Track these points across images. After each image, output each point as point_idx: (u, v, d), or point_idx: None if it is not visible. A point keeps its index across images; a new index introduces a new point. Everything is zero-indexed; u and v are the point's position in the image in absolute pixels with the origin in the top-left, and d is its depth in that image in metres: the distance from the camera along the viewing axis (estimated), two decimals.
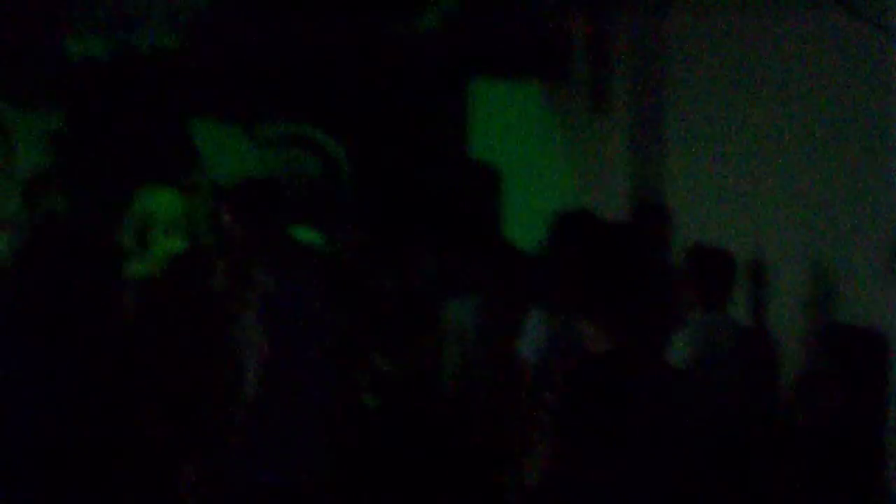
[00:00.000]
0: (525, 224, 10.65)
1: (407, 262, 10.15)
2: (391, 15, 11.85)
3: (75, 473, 5.37)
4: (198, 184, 11.22)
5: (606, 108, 9.62)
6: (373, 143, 12.83)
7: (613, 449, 4.42)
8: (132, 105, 12.36)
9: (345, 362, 7.33)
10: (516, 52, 10.73)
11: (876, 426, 5.52)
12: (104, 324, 5.90)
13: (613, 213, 8.71)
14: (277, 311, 5.85)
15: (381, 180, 12.67)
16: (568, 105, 10.38)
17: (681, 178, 8.80)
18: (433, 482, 8.82)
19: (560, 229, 6.26)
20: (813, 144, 6.81)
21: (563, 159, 10.42)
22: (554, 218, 6.45)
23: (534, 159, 11.12)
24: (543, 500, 4.59)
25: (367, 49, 12.03)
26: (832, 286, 6.56)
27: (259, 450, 5.77)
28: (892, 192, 5.45)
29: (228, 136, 12.97)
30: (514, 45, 10.65)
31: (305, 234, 11.64)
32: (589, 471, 4.41)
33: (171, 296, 8.08)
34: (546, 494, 4.52)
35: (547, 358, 6.14)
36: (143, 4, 12.28)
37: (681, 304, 6.74)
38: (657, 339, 4.68)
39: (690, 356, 6.48)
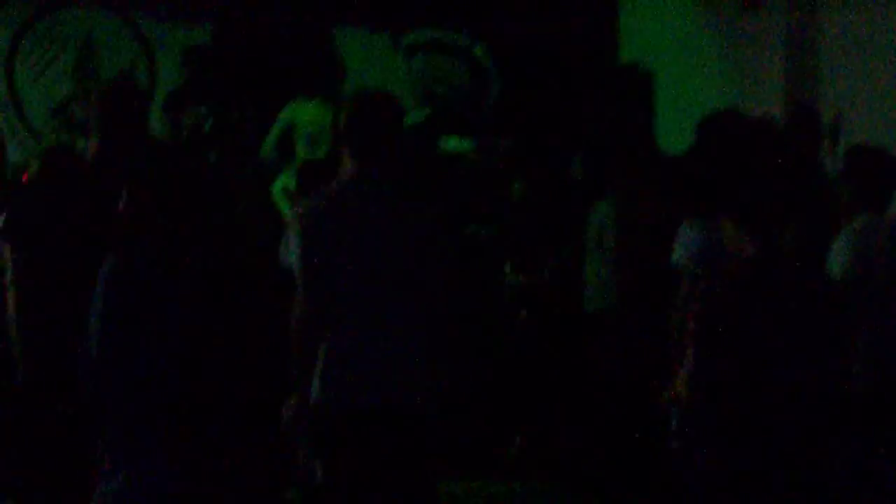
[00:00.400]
0: (678, 126, 10.47)
1: (554, 170, 10.05)
2: None
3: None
4: (344, 94, 11.15)
5: (759, 5, 9.34)
6: (522, 48, 12.66)
7: (759, 364, 4.30)
8: (275, 15, 12.31)
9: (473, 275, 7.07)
10: None
11: None
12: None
13: (766, 115, 8.46)
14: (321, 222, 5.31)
15: (530, 86, 12.50)
16: (720, 3, 10.10)
17: (839, 79, 8.53)
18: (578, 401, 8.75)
19: (709, 130, 6.14)
20: None
21: (716, 60, 10.16)
22: (703, 119, 6.33)
23: (686, 61, 10.87)
24: (693, 416, 4.51)
25: None
26: None
27: (344, 372, 5.32)
28: None
29: (374, 44, 12.89)
30: None
31: (456, 143, 11.59)
32: (735, 386, 4.29)
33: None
34: (694, 411, 4.43)
35: (698, 263, 6.07)
36: None
37: (838, 210, 6.53)
38: (811, 244, 4.48)
39: (851, 261, 6.28)
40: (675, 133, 10.29)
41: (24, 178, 7.02)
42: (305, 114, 10.77)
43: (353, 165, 5.37)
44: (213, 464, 4.56)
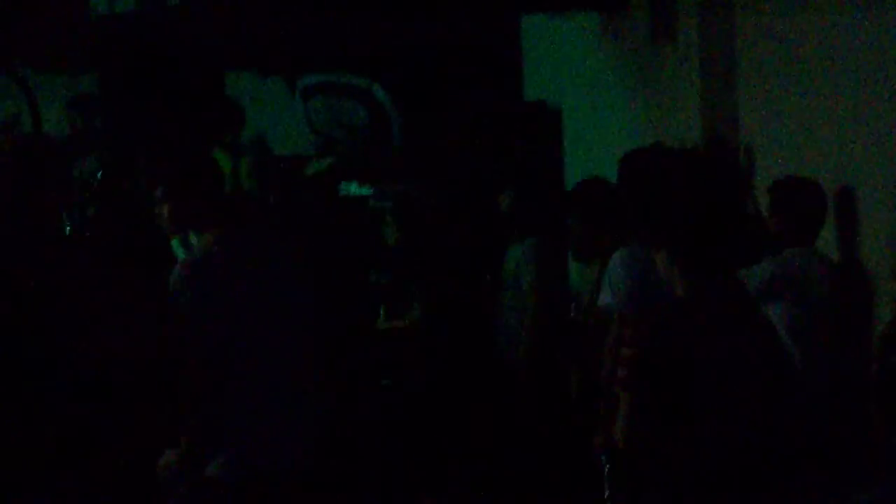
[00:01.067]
0: (586, 161, 10.28)
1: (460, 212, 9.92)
2: None
3: None
4: (240, 140, 10.85)
5: (671, 37, 9.13)
6: (422, 88, 12.40)
7: (698, 406, 4.06)
8: (164, 61, 11.97)
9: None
10: None
11: None
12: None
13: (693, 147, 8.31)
14: (212, 277, 5.20)
15: (433, 128, 12.24)
16: (630, 37, 9.88)
17: (756, 109, 8.34)
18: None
19: (635, 164, 5.98)
20: None
21: (628, 95, 9.95)
22: (628, 154, 6.19)
23: (594, 95, 10.67)
24: (628, 462, 4.39)
25: None
26: None
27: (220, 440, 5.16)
28: None
29: (270, 88, 12.61)
30: None
31: (354, 189, 11.35)
32: (673, 429, 4.02)
33: None
34: (631, 456, 4.20)
35: (626, 304, 5.98)
36: None
37: (763, 241, 6.44)
38: (739, 280, 4.28)
39: (772, 286, 6.36)
40: (582, 169, 10.11)
41: None
42: None
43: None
44: None
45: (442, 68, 12.29)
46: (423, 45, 12.14)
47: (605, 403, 5.91)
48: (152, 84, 12.02)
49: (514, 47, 12.19)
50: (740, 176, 3.97)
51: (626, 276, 5.94)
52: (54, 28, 11.89)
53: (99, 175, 9.69)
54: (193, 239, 5.44)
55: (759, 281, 6.12)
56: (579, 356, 7.07)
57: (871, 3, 6.77)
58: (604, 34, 10.42)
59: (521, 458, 8.30)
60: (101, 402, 5.25)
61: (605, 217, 6.72)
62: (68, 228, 9.43)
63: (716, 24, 8.71)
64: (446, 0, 11.17)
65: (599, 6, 10.35)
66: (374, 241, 10.14)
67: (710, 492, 4.04)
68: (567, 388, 7.50)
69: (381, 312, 9.58)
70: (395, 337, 9.41)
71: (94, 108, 11.00)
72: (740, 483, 4.04)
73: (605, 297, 6.19)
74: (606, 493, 6.11)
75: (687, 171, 4.21)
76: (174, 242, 9.68)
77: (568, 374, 7.43)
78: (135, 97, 11.89)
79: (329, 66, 12.65)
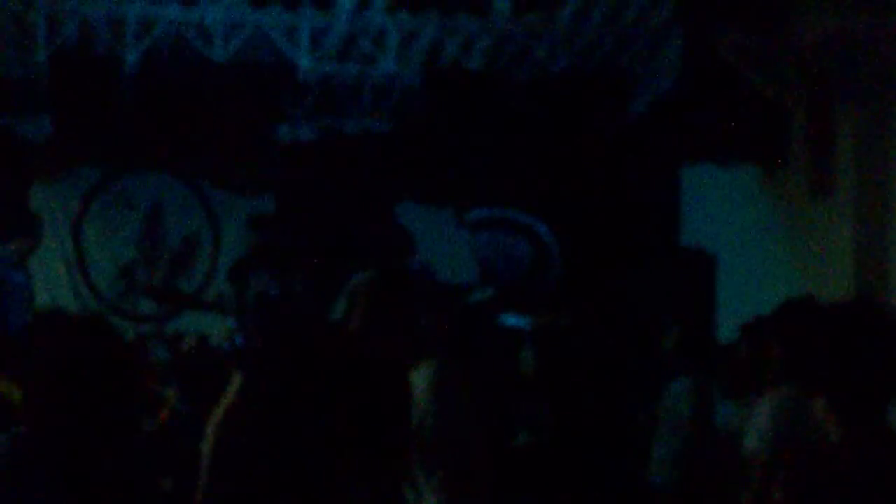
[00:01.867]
0: (741, 312, 10.39)
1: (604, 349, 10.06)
2: (601, 100, 11.74)
3: None
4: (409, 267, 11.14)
5: (828, 193, 9.34)
6: (584, 229, 12.68)
7: None
8: (340, 187, 12.41)
9: None
10: (732, 136, 10.51)
11: None
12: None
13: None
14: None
15: (591, 266, 12.50)
16: (787, 190, 10.10)
17: None
18: None
19: (795, 314, 6.08)
20: None
21: (782, 246, 10.13)
22: (786, 304, 6.27)
23: (749, 245, 10.85)
24: None
25: (578, 134, 11.94)
26: None
27: None
28: None
29: (438, 219, 12.94)
30: (730, 129, 10.42)
31: (513, 320, 11.57)
32: None
33: None
34: None
35: (775, 449, 5.89)
36: (352, 90, 12.36)
37: None
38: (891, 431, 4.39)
39: None
40: (735, 316, 10.23)
41: None
42: None
43: None
44: None
45: (604, 210, 12.55)
46: (588, 185, 12.42)
47: None
48: (327, 207, 12.42)
49: (674, 194, 12.48)
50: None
51: (773, 421, 6.00)
52: (239, 149, 12.43)
53: (274, 290, 10.09)
54: None
55: None
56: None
57: None
58: (763, 186, 10.59)
59: None
60: None
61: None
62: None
63: (872, 179, 8.94)
64: (612, 149, 11.52)
65: (760, 159, 10.55)
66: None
67: None
68: None
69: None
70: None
71: (272, 228, 11.39)
72: None
73: (752, 441, 6.32)
74: None
75: (856, 324, 4.33)
76: None
77: None
78: (309, 220, 12.28)
79: (495, 201, 12.99)
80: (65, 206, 13.08)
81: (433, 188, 12.66)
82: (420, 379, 5.39)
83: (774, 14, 9.52)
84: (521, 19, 11.15)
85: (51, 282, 12.85)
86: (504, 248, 12.76)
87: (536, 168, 12.36)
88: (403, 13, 11.10)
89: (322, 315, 9.21)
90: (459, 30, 11.30)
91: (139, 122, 11.83)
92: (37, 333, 7.02)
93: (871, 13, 8.81)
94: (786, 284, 9.74)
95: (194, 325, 12.15)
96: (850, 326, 4.27)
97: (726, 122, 10.36)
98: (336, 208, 12.30)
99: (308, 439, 5.55)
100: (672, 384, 8.74)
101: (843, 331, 4.27)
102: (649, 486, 8.76)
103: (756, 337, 6.99)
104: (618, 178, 12.27)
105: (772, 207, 10.39)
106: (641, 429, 9.18)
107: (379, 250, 10.99)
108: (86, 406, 4.39)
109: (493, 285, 11.87)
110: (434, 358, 5.50)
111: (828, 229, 9.23)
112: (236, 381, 5.80)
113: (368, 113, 12.34)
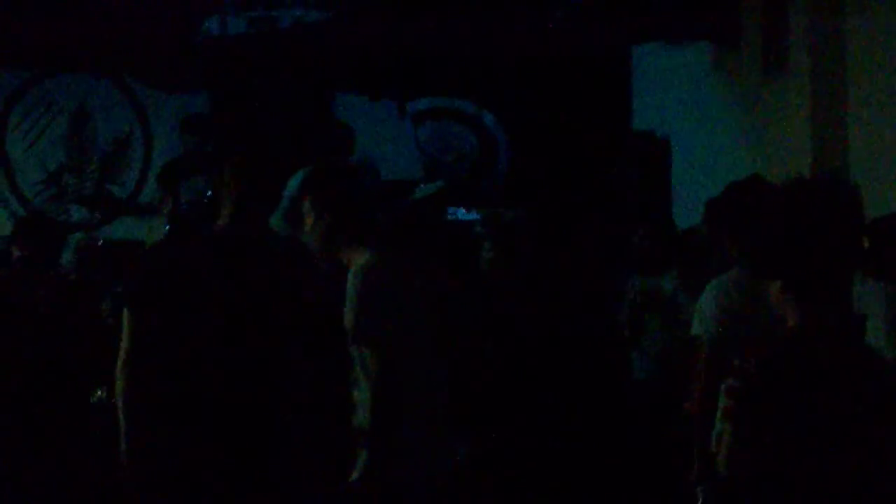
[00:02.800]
0: (697, 196, 10.22)
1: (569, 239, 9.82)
2: None
3: None
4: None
5: (783, 69, 9.08)
6: (531, 117, 12.40)
7: (808, 441, 3.87)
8: (275, 83, 12.05)
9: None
10: (682, 13, 10.23)
11: None
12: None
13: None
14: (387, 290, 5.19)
15: (541, 156, 12.23)
16: (741, 68, 9.84)
17: (866, 140, 8.25)
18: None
19: (744, 194, 5.86)
20: None
21: (736, 126, 9.89)
22: (735, 184, 6.07)
23: (703, 127, 10.61)
24: (731, 493, 4.04)
25: (523, 18, 11.59)
26: None
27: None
28: None
29: (379, 111, 12.62)
30: (680, 6, 10.12)
31: (462, 214, 11.33)
32: (782, 463, 3.90)
33: None
34: (733, 487, 4.01)
35: (723, 335, 5.72)
36: None
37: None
38: (856, 313, 4.15)
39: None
40: (690, 199, 10.04)
41: None
42: None
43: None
44: None
45: (551, 96, 12.26)
46: (534, 72, 12.14)
47: (696, 434, 5.79)
48: (262, 106, 12.10)
49: (625, 77, 12.16)
50: (860, 207, 3.87)
51: (717, 306, 5.90)
52: (167, 45, 12.04)
53: (209, 194, 9.75)
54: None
55: None
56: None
57: None
58: (715, 64, 10.38)
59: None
60: None
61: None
62: None
63: (827, 55, 8.66)
64: (558, 29, 11.18)
65: (712, 37, 10.32)
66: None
67: None
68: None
69: None
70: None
71: (206, 129, 11.01)
72: None
73: (695, 326, 6.12)
74: None
75: (809, 202, 4.11)
76: None
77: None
78: (245, 119, 11.95)
79: (439, 91, 12.68)
80: None
81: (372, 79, 12.27)
82: (352, 276, 5.21)
83: None
84: None
85: None
86: (449, 139, 12.44)
87: (481, 55, 12.02)
88: None
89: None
90: None
91: (59, 21, 11.42)
92: None
93: None
94: (742, 165, 9.53)
95: (129, 231, 11.82)
96: (804, 203, 4.03)
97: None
98: (271, 105, 11.92)
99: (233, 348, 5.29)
100: (651, 280, 8.54)
101: (795, 208, 4.02)
102: (635, 384, 8.58)
103: (715, 219, 6.83)
104: (566, 63, 11.96)
105: (725, 86, 10.15)
106: (620, 328, 8.97)
107: (318, 148, 10.69)
108: None
109: (439, 178, 11.59)
110: (369, 254, 5.26)
111: (784, 107, 8.99)
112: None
113: (301, 2, 11.90)
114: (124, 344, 5.15)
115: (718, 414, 4.06)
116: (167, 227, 9.76)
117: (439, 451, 5.34)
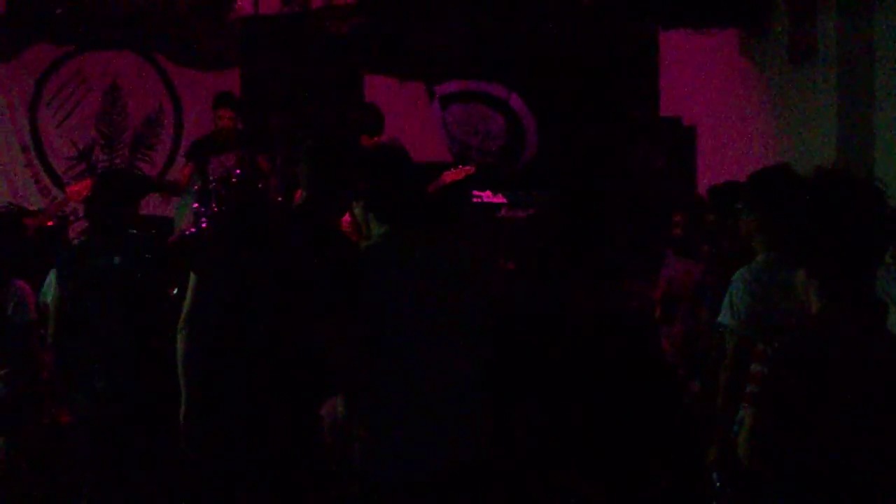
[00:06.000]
0: (720, 179, 10.23)
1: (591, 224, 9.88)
2: None
3: None
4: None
5: (810, 57, 9.07)
6: (559, 101, 12.42)
7: (830, 426, 3.94)
8: (305, 63, 12.10)
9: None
10: (710, 1, 10.23)
11: None
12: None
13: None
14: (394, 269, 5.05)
15: (569, 140, 12.26)
16: (768, 55, 9.84)
17: (893, 131, 8.27)
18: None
19: (774, 183, 5.88)
20: None
21: (763, 114, 9.89)
22: (762, 172, 6.08)
23: (730, 114, 10.61)
24: (749, 478, 4.21)
25: (553, 2, 11.63)
26: None
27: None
28: None
29: (408, 93, 12.65)
30: None
31: (490, 196, 11.38)
32: (803, 448, 3.93)
33: None
34: (754, 472, 4.07)
35: (750, 324, 5.71)
36: None
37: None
38: (875, 300, 4.19)
39: None
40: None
41: None
42: None
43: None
44: None
45: (579, 82, 12.27)
46: (562, 57, 12.14)
47: (719, 420, 5.75)
48: (293, 86, 12.14)
49: (652, 63, 12.16)
50: (884, 199, 3.88)
51: (747, 293, 5.81)
52: (200, 23, 12.08)
53: (237, 172, 9.82)
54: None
55: None
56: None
57: None
58: (742, 51, 10.37)
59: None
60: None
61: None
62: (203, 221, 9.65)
63: (854, 43, 8.66)
64: (587, 16, 11.20)
65: (739, 24, 10.31)
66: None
67: None
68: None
69: None
70: None
71: (236, 108, 11.06)
72: None
73: (723, 314, 6.11)
74: None
75: (835, 192, 4.15)
76: None
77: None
78: (276, 98, 12.00)
79: (468, 74, 12.69)
80: (19, 89, 12.73)
81: (402, 61, 12.31)
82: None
83: None
84: None
85: (9, 168, 12.58)
86: (477, 122, 12.47)
87: (510, 39, 12.05)
88: None
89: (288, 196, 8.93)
90: None
91: None
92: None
93: None
94: (768, 152, 9.55)
95: (160, 208, 11.91)
96: (830, 194, 4.09)
97: None
98: (301, 85, 11.98)
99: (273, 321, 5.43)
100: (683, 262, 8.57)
101: (822, 198, 4.09)
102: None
103: (723, 202, 6.86)
104: (594, 48, 11.99)
105: (752, 74, 10.15)
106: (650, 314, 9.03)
107: (347, 128, 10.73)
108: None
109: (466, 162, 11.62)
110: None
111: (810, 94, 8.99)
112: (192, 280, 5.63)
113: None
114: (186, 306, 5.53)
115: (744, 400, 4.12)
116: (195, 205, 9.87)
117: (452, 439, 5.12)
